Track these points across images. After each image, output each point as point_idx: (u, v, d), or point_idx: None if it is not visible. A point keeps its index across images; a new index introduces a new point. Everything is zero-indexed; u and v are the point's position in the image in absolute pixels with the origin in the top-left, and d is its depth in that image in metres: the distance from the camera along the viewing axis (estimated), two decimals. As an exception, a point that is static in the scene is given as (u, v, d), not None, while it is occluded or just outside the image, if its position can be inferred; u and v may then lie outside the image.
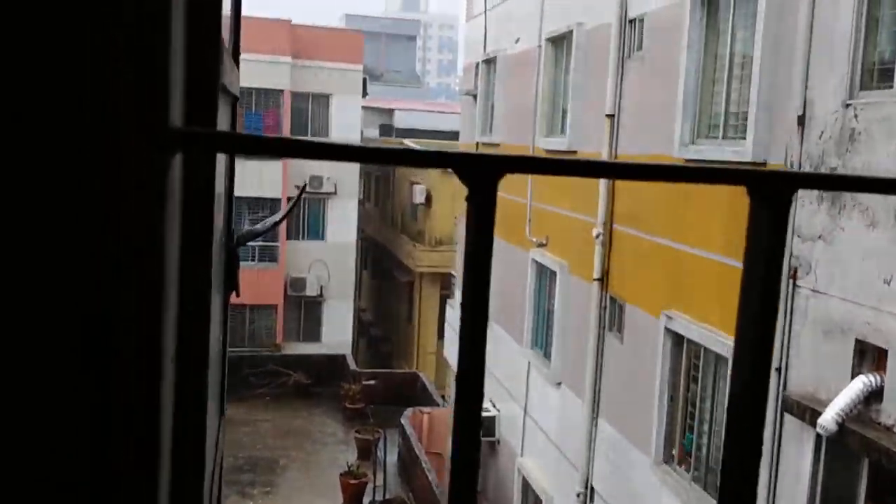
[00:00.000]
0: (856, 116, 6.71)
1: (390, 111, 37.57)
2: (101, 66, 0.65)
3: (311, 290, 28.50)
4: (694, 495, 8.98)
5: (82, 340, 0.66)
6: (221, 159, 1.75)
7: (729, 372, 8.51)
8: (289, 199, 26.05)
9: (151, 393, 0.70)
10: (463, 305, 0.61)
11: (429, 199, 27.85)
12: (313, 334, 29.17)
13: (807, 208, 7.19)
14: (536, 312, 13.92)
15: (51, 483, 0.66)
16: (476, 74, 17.24)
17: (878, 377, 6.31)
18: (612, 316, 11.14)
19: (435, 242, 27.84)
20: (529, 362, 13.93)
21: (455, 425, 0.61)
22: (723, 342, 8.35)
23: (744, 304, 0.69)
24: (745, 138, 8.21)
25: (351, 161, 0.62)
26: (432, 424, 20.56)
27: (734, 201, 8.16)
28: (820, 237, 7.06)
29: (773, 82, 7.81)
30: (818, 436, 6.78)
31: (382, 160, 0.62)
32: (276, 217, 5.86)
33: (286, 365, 25.67)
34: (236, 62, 2.50)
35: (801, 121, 7.31)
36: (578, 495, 11.64)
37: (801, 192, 6.67)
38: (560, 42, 13.20)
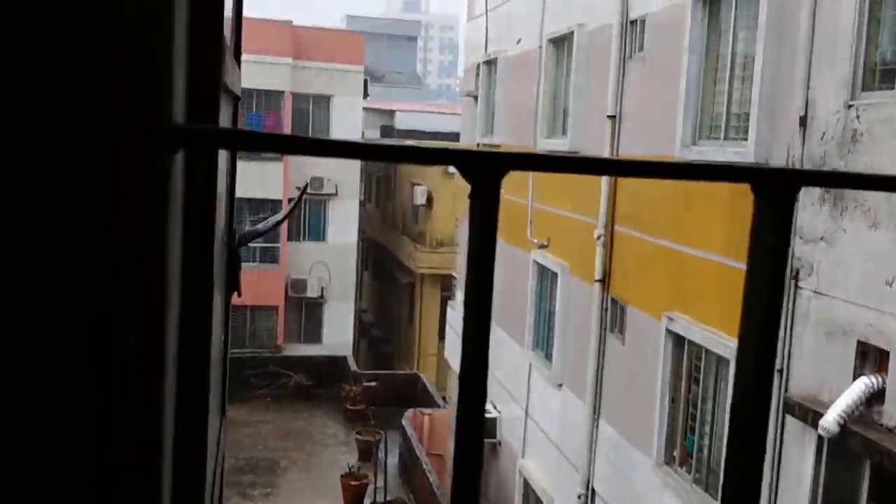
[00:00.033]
0: (858, 117, 6.71)
1: (391, 112, 37.60)
2: (101, 66, 0.64)
3: (311, 292, 28.51)
4: (695, 497, 8.98)
5: (82, 340, 0.66)
6: (223, 159, 1.75)
7: (730, 373, 8.51)
8: (289, 200, 26.06)
9: (152, 393, 0.70)
10: (466, 304, 0.60)
11: (430, 200, 27.86)
12: (314, 335, 29.18)
13: (808, 209, 7.19)
14: (537, 314, 13.92)
15: (51, 483, 0.66)
16: (477, 75, 17.24)
17: (880, 379, 6.31)
18: (614, 317, 11.14)
19: (436, 244, 27.85)
20: (530, 364, 13.92)
21: (458, 425, 0.60)
22: (724, 343, 8.34)
23: (748, 303, 0.68)
24: (746, 139, 8.21)
25: (353, 158, 0.61)
26: (433, 426, 20.55)
27: (735, 202, 8.15)
28: (822, 238, 7.05)
29: (774, 83, 7.80)
30: (820, 437, 6.77)
31: (385, 157, 0.61)
32: (278, 217, 5.87)
33: (287, 366, 25.68)
34: (238, 62, 2.50)
35: (803, 121, 7.31)
36: (579, 497, 11.63)
37: (802, 194, 6.67)
38: (561, 43, 13.20)
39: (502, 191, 0.61)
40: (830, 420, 6.38)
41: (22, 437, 0.65)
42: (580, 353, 11.83)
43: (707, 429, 9.05)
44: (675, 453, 9.63)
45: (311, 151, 0.62)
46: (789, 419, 7.24)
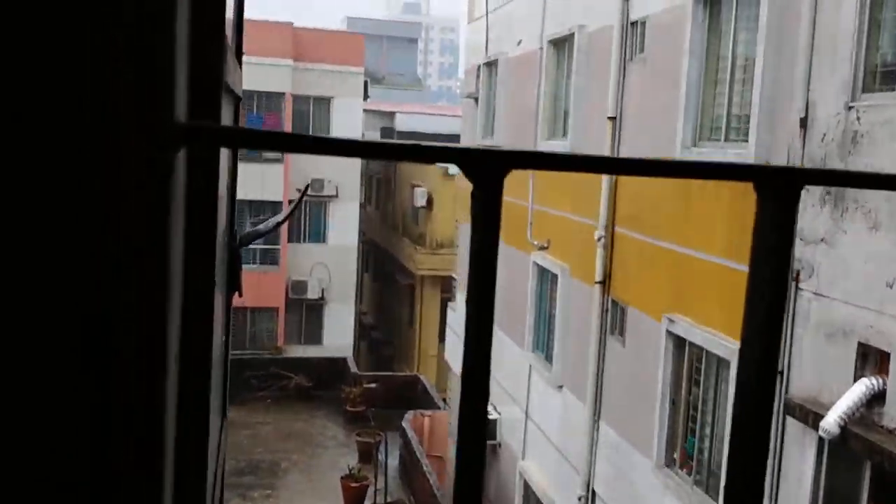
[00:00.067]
0: (858, 119, 6.71)
1: (391, 114, 37.61)
2: (101, 66, 0.64)
3: (312, 293, 28.52)
4: (696, 499, 8.97)
5: (82, 340, 0.66)
6: (224, 158, 1.75)
7: (731, 375, 8.51)
8: (290, 201, 26.07)
9: (153, 393, 0.69)
10: (468, 302, 0.60)
11: (430, 202, 27.86)
12: (314, 337, 29.19)
13: (809, 211, 7.18)
14: (538, 316, 13.91)
15: (51, 483, 0.66)
16: (477, 77, 17.25)
17: (881, 380, 6.30)
18: (614, 319, 11.14)
19: (436, 245, 27.85)
20: (531, 365, 13.92)
21: (460, 423, 0.60)
22: (725, 345, 8.34)
23: (750, 304, 0.68)
24: (747, 140, 8.21)
25: (355, 156, 0.61)
26: (433, 427, 20.55)
27: (736, 204, 8.15)
28: (822, 240, 7.05)
29: (775, 84, 7.81)
30: (820, 439, 6.76)
31: (386, 156, 0.61)
32: (279, 217, 5.87)
33: (287, 368, 25.67)
34: (239, 62, 2.50)
35: (804, 123, 7.31)
36: (580, 499, 11.62)
37: (803, 195, 6.64)
38: (562, 44, 13.21)
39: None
40: (831, 421, 6.38)
41: (22, 437, 0.65)
42: (580, 354, 11.82)
43: (708, 431, 9.04)
44: (676, 455, 9.62)
45: (313, 150, 0.62)
46: (790, 421, 7.24)
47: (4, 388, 0.65)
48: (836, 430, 6.36)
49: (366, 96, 30.08)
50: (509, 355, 14.55)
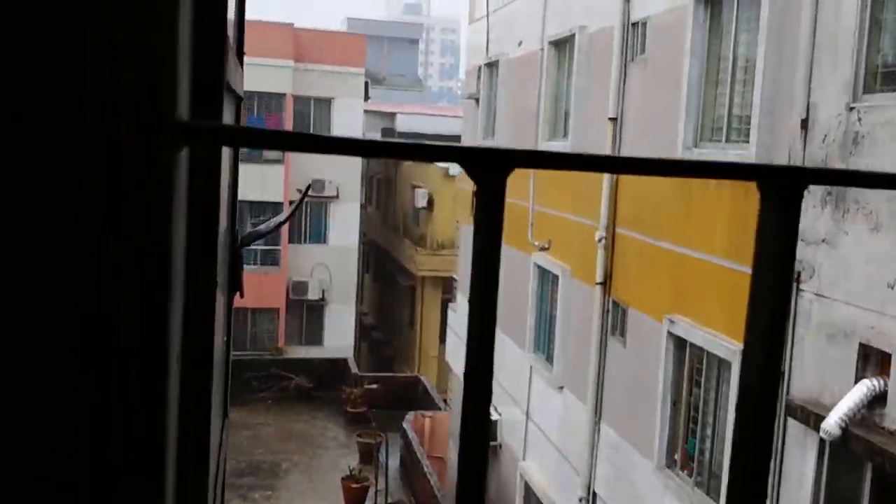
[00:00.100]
0: (859, 120, 6.70)
1: (392, 115, 37.64)
2: (102, 66, 0.64)
3: (312, 294, 28.52)
4: (696, 500, 8.96)
5: (82, 340, 0.66)
6: (225, 158, 1.75)
7: (732, 376, 8.50)
8: (291, 202, 26.08)
9: (154, 393, 0.69)
10: (471, 301, 0.59)
11: (431, 202, 27.86)
12: (315, 338, 29.19)
13: (810, 212, 7.18)
14: (538, 316, 13.91)
15: (51, 483, 0.66)
16: (478, 78, 17.25)
17: (882, 381, 6.30)
18: (615, 320, 11.13)
19: (437, 246, 27.86)
20: (531, 366, 13.92)
21: (463, 422, 0.60)
22: (726, 346, 8.33)
23: (753, 305, 0.68)
24: (748, 141, 8.20)
25: (357, 155, 0.61)
26: (434, 428, 20.55)
27: (737, 204, 8.15)
28: (824, 241, 7.05)
29: (776, 85, 7.80)
30: (821, 440, 6.76)
31: (389, 154, 0.61)
32: (280, 218, 5.86)
33: (288, 369, 25.67)
34: (241, 62, 2.50)
35: (805, 124, 7.30)
36: (581, 500, 11.62)
37: (804, 196, 6.64)
38: (563, 45, 13.21)
39: (503, 192, 0.61)
40: (832, 423, 6.37)
41: (22, 437, 0.65)
42: (581, 355, 11.82)
43: (708, 432, 9.04)
44: (677, 456, 9.62)
45: (316, 148, 0.61)
46: (791, 422, 7.23)
47: (4, 388, 0.65)
48: (837, 431, 6.36)
49: (366, 97, 30.10)
50: (510, 356, 14.55)
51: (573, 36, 12.56)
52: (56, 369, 0.66)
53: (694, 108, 9.25)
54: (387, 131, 36.84)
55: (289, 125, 27.70)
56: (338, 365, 26.33)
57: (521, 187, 13.71)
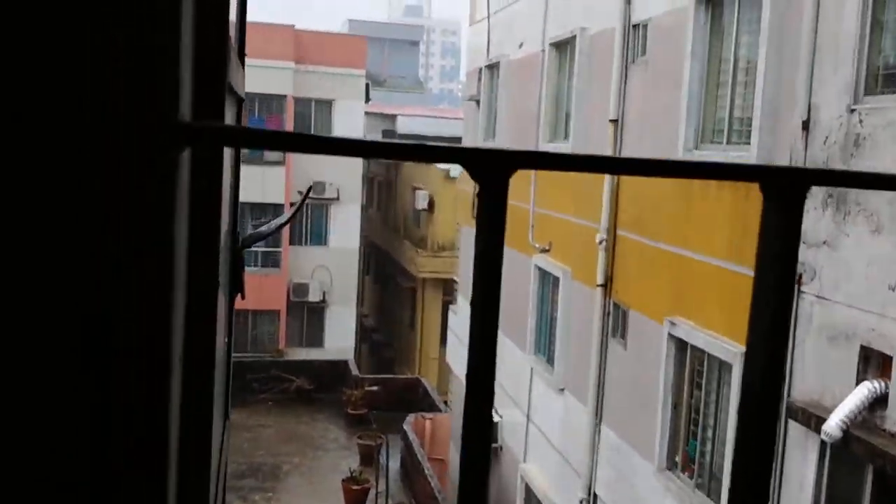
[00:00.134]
0: (861, 121, 6.70)
1: (393, 117, 37.64)
2: (102, 66, 0.64)
3: (313, 296, 28.52)
4: (697, 502, 8.96)
5: (82, 340, 0.66)
6: (227, 159, 1.75)
7: (733, 378, 8.49)
8: (291, 204, 26.09)
9: (155, 393, 0.69)
10: (473, 302, 0.59)
11: (431, 204, 27.87)
12: (316, 340, 29.18)
13: (811, 214, 7.18)
14: (539, 318, 13.91)
15: (51, 483, 0.65)
16: (479, 80, 17.26)
17: (883, 383, 6.29)
18: (616, 322, 11.13)
19: (437, 248, 27.85)
20: (532, 368, 13.91)
21: (465, 423, 0.60)
22: (727, 348, 8.33)
23: (756, 307, 0.67)
24: (749, 143, 8.20)
25: (359, 156, 0.60)
26: (435, 430, 20.54)
27: (738, 206, 8.15)
28: (825, 243, 7.04)
29: (777, 87, 7.80)
30: (822, 442, 6.75)
31: (392, 155, 0.61)
32: (282, 219, 5.85)
33: (289, 370, 25.68)
34: (242, 63, 2.50)
35: (806, 126, 7.30)
36: (581, 502, 11.61)
37: (805, 198, 6.64)
38: (563, 47, 13.21)
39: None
40: (833, 425, 6.37)
41: (22, 437, 0.65)
42: (582, 357, 11.81)
43: (709, 434, 9.03)
44: (678, 458, 9.61)
45: (317, 149, 0.61)
46: (792, 424, 7.23)
47: (5, 388, 0.65)
48: (838, 433, 6.35)
49: (367, 99, 30.11)
50: (510, 358, 14.54)
51: (574, 38, 12.56)
52: (56, 369, 0.65)
53: (695, 109, 9.25)
54: (387, 133, 36.85)
55: (289, 127, 27.69)
56: (338, 367, 26.33)
57: (522, 189, 13.71)
